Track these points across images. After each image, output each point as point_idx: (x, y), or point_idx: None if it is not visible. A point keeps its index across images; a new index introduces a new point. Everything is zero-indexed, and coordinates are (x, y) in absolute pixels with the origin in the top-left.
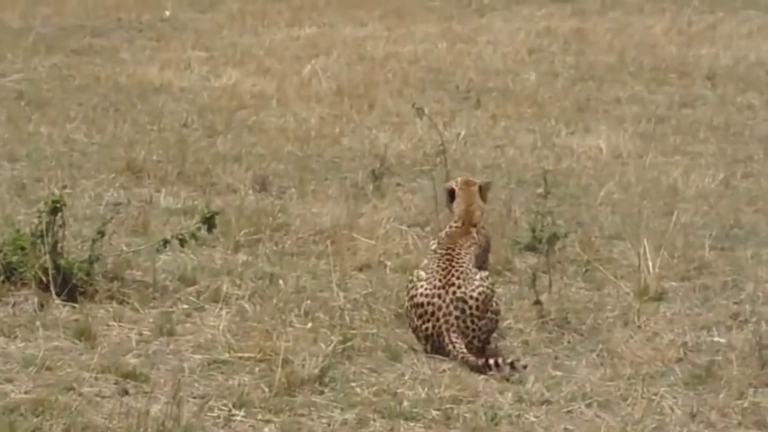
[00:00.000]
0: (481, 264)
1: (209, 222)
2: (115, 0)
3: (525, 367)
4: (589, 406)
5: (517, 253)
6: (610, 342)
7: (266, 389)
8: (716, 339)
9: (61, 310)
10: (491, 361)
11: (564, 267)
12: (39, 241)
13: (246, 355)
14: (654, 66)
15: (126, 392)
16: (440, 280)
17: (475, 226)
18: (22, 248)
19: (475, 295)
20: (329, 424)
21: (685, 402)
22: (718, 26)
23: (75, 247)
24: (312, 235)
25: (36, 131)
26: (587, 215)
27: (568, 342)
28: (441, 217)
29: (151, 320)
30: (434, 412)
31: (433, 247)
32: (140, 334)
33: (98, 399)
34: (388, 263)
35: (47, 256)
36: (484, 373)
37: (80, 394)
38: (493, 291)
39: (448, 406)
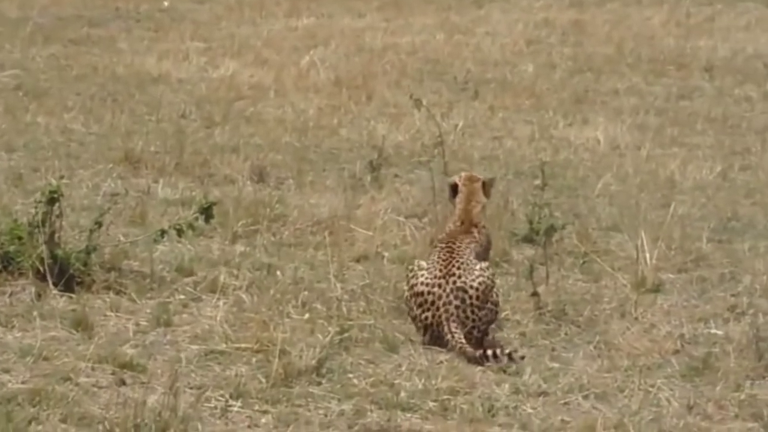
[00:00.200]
0: (481, 260)
1: (207, 212)
2: None
3: (522, 358)
4: (586, 397)
5: (514, 245)
6: (607, 334)
7: (263, 380)
8: (713, 331)
9: (58, 300)
10: (489, 352)
11: (561, 259)
12: (36, 231)
13: (243, 345)
14: (652, 58)
15: (123, 382)
16: (441, 270)
17: (476, 226)
18: (20, 238)
19: (475, 285)
20: (326, 415)
21: (682, 394)
22: (716, 18)
23: (72, 237)
24: (310, 226)
25: (33, 121)
26: (585, 207)
27: (566, 334)
28: (439, 209)
29: (148, 311)
30: (431, 403)
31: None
32: (137, 324)
33: (95, 389)
34: (386, 254)
35: (44, 246)
36: (482, 364)
37: (77, 385)
38: (493, 282)
39: (445, 397)
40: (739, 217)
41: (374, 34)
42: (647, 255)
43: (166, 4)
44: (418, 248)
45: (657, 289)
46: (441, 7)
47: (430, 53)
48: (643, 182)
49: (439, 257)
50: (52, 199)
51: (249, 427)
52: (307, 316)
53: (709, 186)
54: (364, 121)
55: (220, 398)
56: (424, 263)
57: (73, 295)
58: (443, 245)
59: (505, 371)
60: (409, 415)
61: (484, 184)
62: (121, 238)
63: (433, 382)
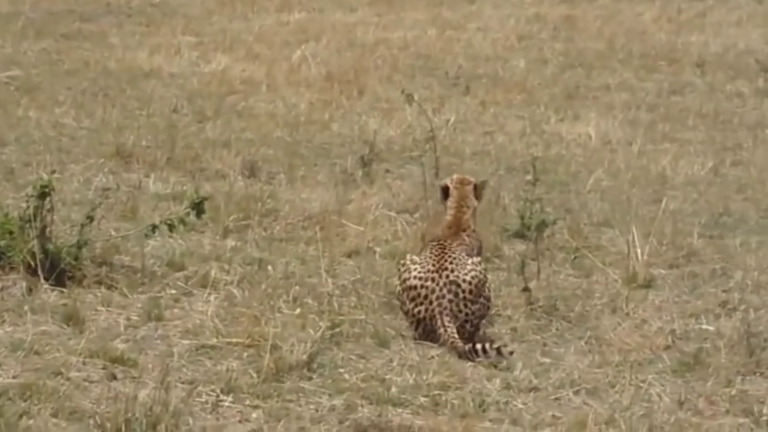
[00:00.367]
0: None
1: (198, 207)
2: None
3: (512, 353)
4: (577, 393)
5: (505, 240)
6: (598, 329)
7: (254, 375)
8: (704, 327)
9: (49, 294)
10: (478, 346)
11: (553, 254)
12: (27, 225)
13: (234, 340)
14: (643, 53)
15: (114, 377)
16: (433, 265)
17: (464, 230)
18: (11, 232)
19: (468, 278)
20: (317, 410)
21: (673, 389)
22: (707, 14)
23: (63, 232)
24: (301, 220)
25: (25, 116)
26: (576, 202)
27: (557, 329)
28: (430, 204)
29: (139, 305)
30: (422, 399)
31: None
32: (128, 319)
33: (86, 384)
34: (377, 249)
35: (35, 241)
36: (472, 360)
37: (68, 379)
38: (486, 276)
39: (436, 392)
40: (730, 213)
41: (366, 29)
42: (638, 250)
43: None
44: (409, 243)
45: (648, 284)
46: (432, 2)
47: (421, 48)
48: (635, 178)
49: (431, 253)
50: (44, 193)
51: (240, 421)
52: (298, 311)
53: (701, 181)
54: (356, 116)
55: (211, 393)
56: (416, 258)
57: (64, 290)
58: (434, 243)
59: (496, 366)
60: (400, 410)
61: (475, 186)
62: (113, 233)
63: (424, 377)
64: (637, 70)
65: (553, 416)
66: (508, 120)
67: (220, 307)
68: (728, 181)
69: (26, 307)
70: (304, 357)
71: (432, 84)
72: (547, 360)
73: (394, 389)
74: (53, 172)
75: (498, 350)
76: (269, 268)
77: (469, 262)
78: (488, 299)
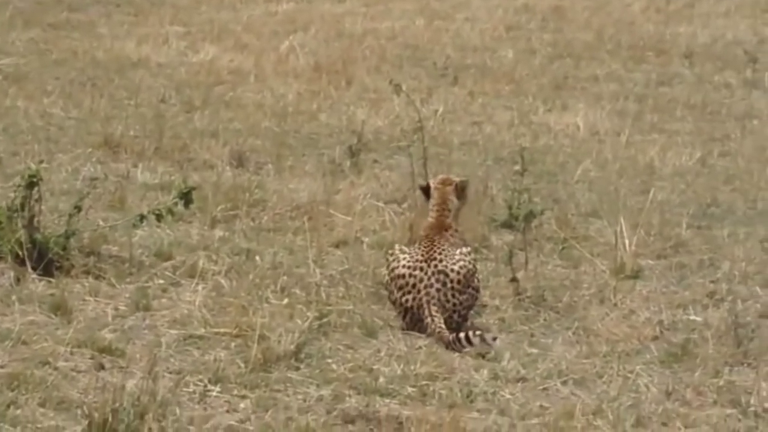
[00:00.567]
0: None
1: (186, 197)
2: None
3: (495, 339)
4: (564, 383)
5: (493, 231)
6: (586, 320)
7: (242, 365)
8: (692, 317)
9: (37, 284)
10: (461, 335)
11: (540, 244)
12: (15, 215)
13: (222, 330)
14: (631, 44)
15: (102, 367)
16: (422, 255)
17: (447, 230)
18: None
19: (456, 268)
20: (305, 400)
21: (661, 380)
22: (695, 4)
23: (51, 222)
24: (289, 211)
25: (13, 105)
26: (564, 193)
27: (544, 319)
28: (418, 194)
29: (127, 295)
30: (410, 389)
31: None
32: (116, 308)
33: (74, 373)
34: (365, 240)
35: (23, 231)
36: (459, 350)
37: (56, 369)
38: (474, 267)
39: (424, 382)
40: (718, 204)
41: (354, 20)
42: (626, 241)
43: None
44: (397, 233)
45: (636, 275)
46: None
47: (409, 39)
48: (623, 168)
49: (419, 245)
50: (32, 183)
51: (227, 411)
52: (285, 301)
53: (689, 172)
54: (344, 107)
55: (199, 383)
56: (405, 248)
57: (52, 280)
58: (423, 235)
59: (483, 357)
60: (387, 400)
61: (456, 186)
62: (101, 223)
63: (412, 367)
64: (625, 60)
65: (541, 406)
66: (496, 110)
67: (208, 297)
68: (716, 172)
69: (14, 297)
70: (292, 347)
71: (420, 74)
72: (535, 350)
73: (381, 379)
74: (41, 161)
75: (481, 337)
76: (257, 258)
77: (458, 252)
78: (477, 290)
